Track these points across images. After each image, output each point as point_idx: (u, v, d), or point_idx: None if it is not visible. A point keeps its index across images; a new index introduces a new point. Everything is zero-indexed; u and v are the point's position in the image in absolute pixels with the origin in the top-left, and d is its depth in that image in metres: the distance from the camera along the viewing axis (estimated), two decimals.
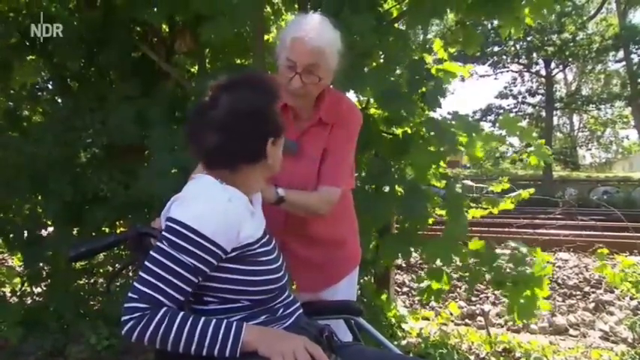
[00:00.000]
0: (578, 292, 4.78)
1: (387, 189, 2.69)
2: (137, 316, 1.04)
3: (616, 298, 4.51)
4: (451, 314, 4.06)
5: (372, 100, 2.99)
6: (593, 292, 4.73)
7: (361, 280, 3.06)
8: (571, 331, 3.85)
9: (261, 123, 1.17)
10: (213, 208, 1.11)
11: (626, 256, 3.25)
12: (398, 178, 2.70)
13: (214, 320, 1.05)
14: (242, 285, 1.14)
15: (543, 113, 25.15)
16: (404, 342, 3.03)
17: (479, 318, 4.09)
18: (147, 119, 3.00)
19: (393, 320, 3.18)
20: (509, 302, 2.65)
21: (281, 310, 1.22)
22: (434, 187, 3.00)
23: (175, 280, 1.07)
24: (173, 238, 1.08)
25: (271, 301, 1.19)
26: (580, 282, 5.02)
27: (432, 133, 2.73)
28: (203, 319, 1.05)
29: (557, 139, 30.72)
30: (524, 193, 3.28)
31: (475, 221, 3.38)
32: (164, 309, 1.04)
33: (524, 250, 2.66)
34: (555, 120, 28.19)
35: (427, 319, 3.88)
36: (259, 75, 1.30)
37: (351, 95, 3.04)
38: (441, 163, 2.88)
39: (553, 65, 24.12)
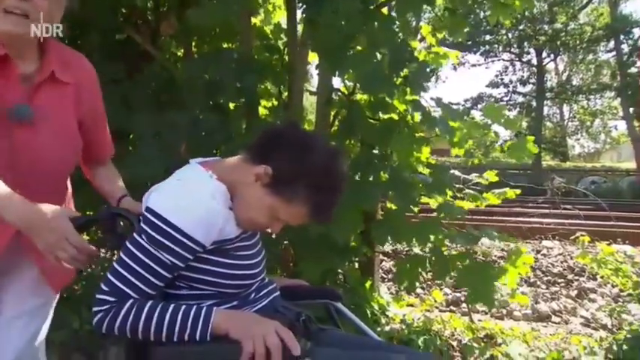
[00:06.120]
0: (562, 280, 4.83)
1: (371, 178, 2.69)
2: (106, 308, 1.05)
3: (598, 286, 4.57)
4: (435, 301, 4.09)
5: (358, 86, 2.97)
6: (576, 280, 4.79)
7: (345, 266, 3.07)
8: (553, 318, 3.90)
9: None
10: (195, 203, 1.08)
11: (607, 244, 3.29)
12: (383, 164, 2.69)
13: (184, 306, 1.05)
14: (216, 277, 1.13)
15: (534, 103, 25.25)
16: (387, 328, 3.05)
17: (463, 305, 4.13)
18: (132, 103, 2.96)
19: (377, 307, 3.20)
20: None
21: (252, 295, 1.21)
22: (419, 175, 3.00)
23: (149, 276, 1.06)
24: (152, 233, 1.06)
25: (243, 292, 1.19)
26: (564, 270, 5.07)
27: (418, 119, 2.72)
28: (172, 305, 1.05)
29: (547, 128, 30.87)
30: (510, 193, 3.28)
31: None
32: (131, 300, 1.04)
33: (494, 235, 2.68)
34: (545, 110, 28.30)
35: (412, 305, 3.91)
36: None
37: (335, 79, 3.03)
38: (426, 150, 2.88)
39: (544, 55, 24.19)
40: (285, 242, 2.82)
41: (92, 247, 1.14)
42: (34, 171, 1.23)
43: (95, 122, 1.42)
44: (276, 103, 3.33)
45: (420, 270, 2.83)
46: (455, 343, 2.98)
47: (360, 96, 3.07)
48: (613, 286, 4.41)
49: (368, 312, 3.01)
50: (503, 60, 26.55)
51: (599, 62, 25.58)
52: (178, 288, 1.14)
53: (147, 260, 1.06)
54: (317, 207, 1.13)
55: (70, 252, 1.11)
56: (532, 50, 24.34)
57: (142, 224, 1.09)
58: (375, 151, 2.79)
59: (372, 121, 2.90)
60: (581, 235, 3.52)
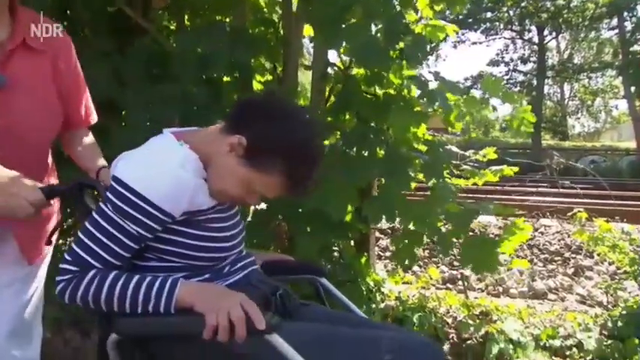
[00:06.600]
0: (559, 258, 4.84)
1: (366, 153, 2.65)
2: (68, 278, 1.02)
3: (595, 264, 4.57)
4: (431, 278, 4.09)
5: (354, 60, 2.90)
6: (573, 258, 4.79)
7: (341, 242, 3.04)
8: (550, 296, 3.91)
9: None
10: (163, 173, 1.05)
11: (605, 220, 3.26)
12: (378, 140, 2.65)
13: (149, 277, 1.02)
14: (186, 249, 1.10)
15: (534, 81, 25.06)
16: (382, 305, 3.05)
17: (460, 282, 4.13)
18: (123, 77, 2.91)
19: (372, 283, 3.19)
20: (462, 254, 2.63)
21: (227, 268, 1.18)
22: (416, 152, 2.96)
23: (114, 246, 1.03)
24: (117, 202, 1.03)
25: (216, 265, 1.15)
26: (561, 248, 5.08)
27: (415, 94, 2.67)
28: (137, 276, 1.02)
29: (548, 107, 30.71)
30: (508, 170, 3.23)
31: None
32: (94, 270, 1.02)
33: (490, 207, 2.64)
34: (546, 89, 28.12)
35: (408, 283, 3.91)
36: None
37: (332, 54, 2.97)
38: (423, 126, 2.83)
39: (546, 32, 23.91)
40: (280, 218, 2.79)
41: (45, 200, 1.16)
42: (10, 137, 1.22)
43: (71, 89, 1.40)
44: (270, 77, 3.27)
45: (416, 247, 2.80)
46: (450, 320, 2.98)
47: (356, 70, 3.01)
48: (610, 264, 4.41)
49: (363, 288, 3.00)
50: (505, 38, 26.28)
51: (601, 40, 25.32)
52: (147, 260, 1.11)
53: (112, 230, 1.03)
54: (292, 180, 1.10)
55: (28, 211, 1.13)
56: (534, 28, 24.05)
57: (107, 193, 1.06)
58: (372, 126, 2.74)
59: (368, 96, 2.85)
60: (579, 212, 3.49)
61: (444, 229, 2.72)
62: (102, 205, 1.06)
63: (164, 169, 1.05)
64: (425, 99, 2.48)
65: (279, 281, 1.26)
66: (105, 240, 1.03)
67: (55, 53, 1.34)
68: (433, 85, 2.64)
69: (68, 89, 1.38)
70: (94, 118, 1.53)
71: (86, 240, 1.04)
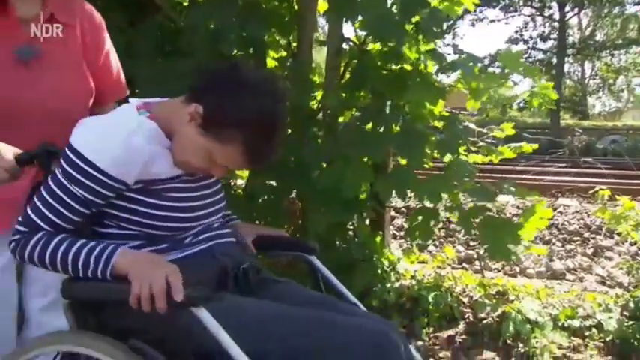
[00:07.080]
0: (578, 238, 4.76)
1: (382, 129, 2.60)
2: (17, 238, 1.08)
3: (615, 244, 4.48)
4: (447, 257, 4.05)
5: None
6: (592, 238, 4.71)
7: (355, 220, 3.01)
8: (568, 276, 3.85)
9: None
10: (113, 139, 1.06)
11: (629, 199, 3.16)
12: (394, 116, 2.59)
13: (92, 243, 1.05)
14: (143, 217, 1.11)
15: (554, 60, 24.50)
16: (397, 284, 3.02)
17: (476, 262, 4.08)
18: (136, 52, 2.89)
19: (387, 263, 3.16)
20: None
21: (189, 239, 1.17)
22: (433, 129, 2.90)
23: (63, 210, 1.07)
24: (66, 167, 1.06)
25: (177, 235, 1.15)
26: (580, 227, 4.99)
27: (432, 69, 2.60)
28: (81, 241, 1.05)
29: (568, 86, 30.06)
30: (527, 147, 3.15)
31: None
32: (42, 232, 1.07)
33: (512, 190, 2.57)
34: (566, 67, 27.48)
35: (424, 262, 3.87)
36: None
37: (347, 30, 2.91)
38: (441, 103, 2.77)
39: (567, 9, 23.26)
40: (292, 196, 2.77)
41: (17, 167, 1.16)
42: (40, 111, 1.28)
43: (100, 63, 1.43)
44: (285, 54, 3.22)
45: (432, 224, 2.76)
46: (466, 300, 2.95)
47: (372, 46, 2.95)
48: (631, 245, 4.32)
49: (377, 267, 2.97)
50: (524, 15, 25.68)
51: (625, 16, 24.56)
52: (107, 227, 1.14)
53: (60, 194, 1.07)
54: (251, 151, 1.09)
55: (2, 177, 1.14)
56: (554, 4, 23.43)
57: (61, 158, 1.09)
58: (387, 102, 2.68)
59: (384, 71, 2.79)
60: (601, 189, 3.40)
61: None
62: (56, 170, 1.10)
63: (114, 136, 1.07)
64: (442, 73, 2.41)
65: (271, 256, 1.25)
66: (54, 203, 1.07)
67: (84, 28, 1.37)
68: (451, 58, 2.58)
69: (96, 64, 1.41)
70: (122, 93, 1.56)
71: (38, 203, 1.08)
